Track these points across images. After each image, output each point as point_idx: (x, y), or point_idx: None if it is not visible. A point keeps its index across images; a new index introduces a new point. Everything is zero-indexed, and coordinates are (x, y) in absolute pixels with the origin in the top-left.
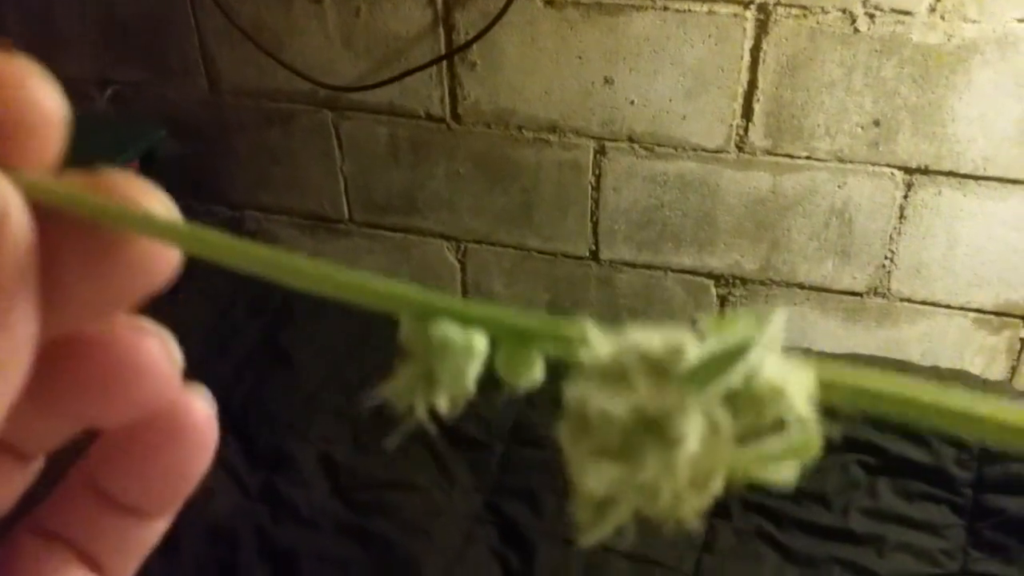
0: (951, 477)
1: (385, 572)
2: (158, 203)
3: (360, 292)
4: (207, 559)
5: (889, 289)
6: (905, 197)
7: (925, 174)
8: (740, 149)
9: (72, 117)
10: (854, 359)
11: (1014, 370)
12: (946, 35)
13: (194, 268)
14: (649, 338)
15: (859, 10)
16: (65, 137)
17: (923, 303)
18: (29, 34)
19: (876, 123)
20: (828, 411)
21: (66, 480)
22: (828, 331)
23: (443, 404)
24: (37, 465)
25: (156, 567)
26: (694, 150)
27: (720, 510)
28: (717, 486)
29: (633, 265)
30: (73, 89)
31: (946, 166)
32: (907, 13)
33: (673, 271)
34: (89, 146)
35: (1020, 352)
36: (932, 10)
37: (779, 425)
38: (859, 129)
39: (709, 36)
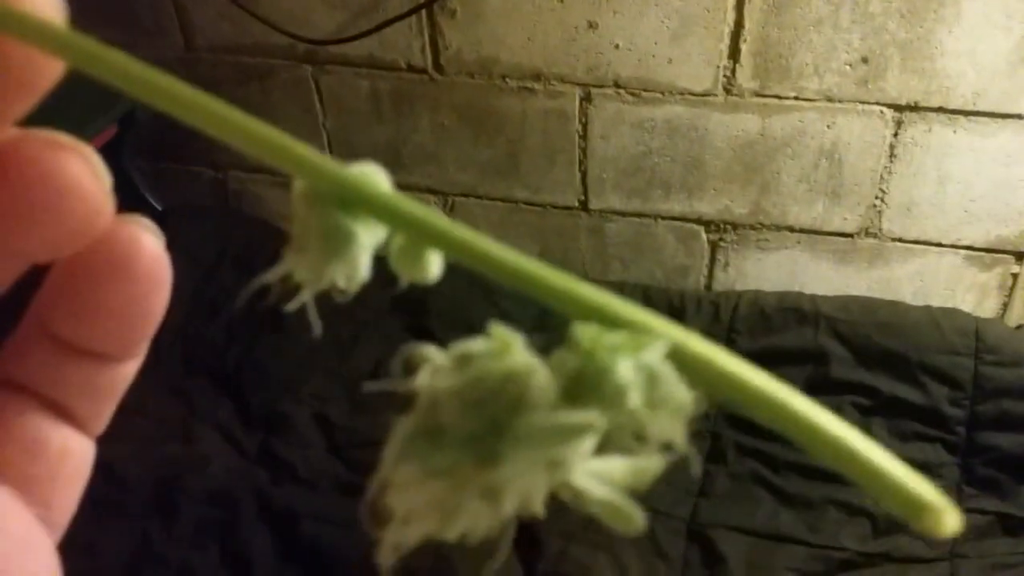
0: (944, 416)
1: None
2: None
3: (251, 140)
4: (207, 522)
5: (880, 229)
6: (895, 135)
7: (915, 111)
8: (728, 91)
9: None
10: (845, 300)
11: (1006, 306)
12: None
13: (175, 230)
14: (492, 372)
15: None
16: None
17: (914, 242)
18: None
19: (864, 60)
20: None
21: (20, 327)
22: (819, 273)
23: (338, 283)
24: None
25: (157, 532)
26: (681, 94)
27: (715, 455)
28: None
29: (623, 214)
30: None
31: (936, 102)
32: None
33: (663, 218)
34: (65, 112)
35: (1012, 288)
36: None
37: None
38: (847, 67)
39: None
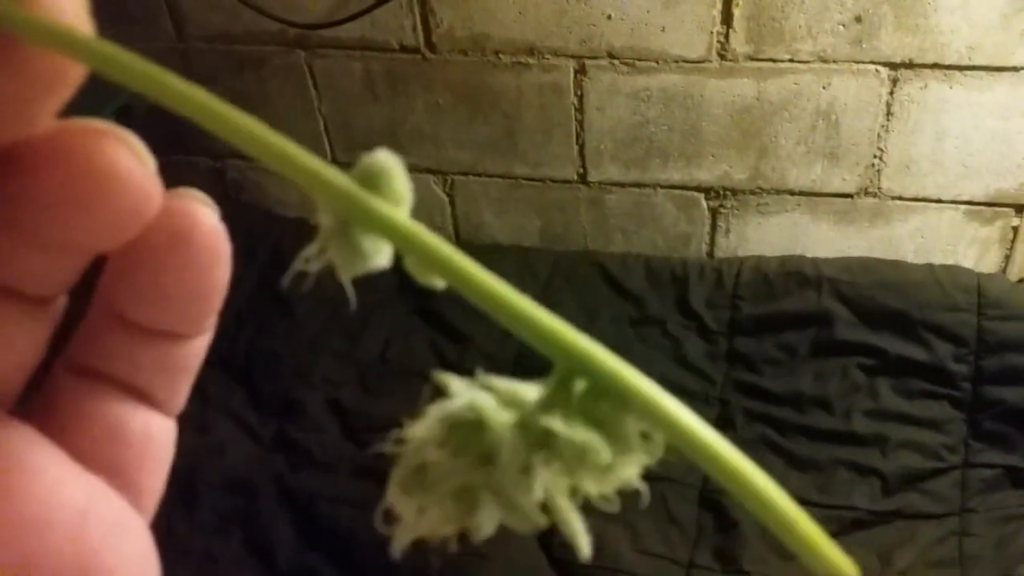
0: (950, 373)
1: None
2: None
3: (279, 159)
4: (228, 511)
5: (879, 188)
6: (891, 93)
7: (910, 68)
8: (722, 57)
9: None
10: (847, 261)
11: (1007, 259)
12: None
13: None
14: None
15: None
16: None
17: (914, 199)
18: None
19: (858, 19)
20: None
21: (90, 312)
22: (820, 235)
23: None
24: (58, 308)
25: (178, 522)
26: (676, 62)
27: (724, 421)
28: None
29: (622, 185)
30: None
31: (930, 59)
32: None
33: (663, 187)
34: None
35: (1013, 241)
36: None
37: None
38: (841, 27)
39: None
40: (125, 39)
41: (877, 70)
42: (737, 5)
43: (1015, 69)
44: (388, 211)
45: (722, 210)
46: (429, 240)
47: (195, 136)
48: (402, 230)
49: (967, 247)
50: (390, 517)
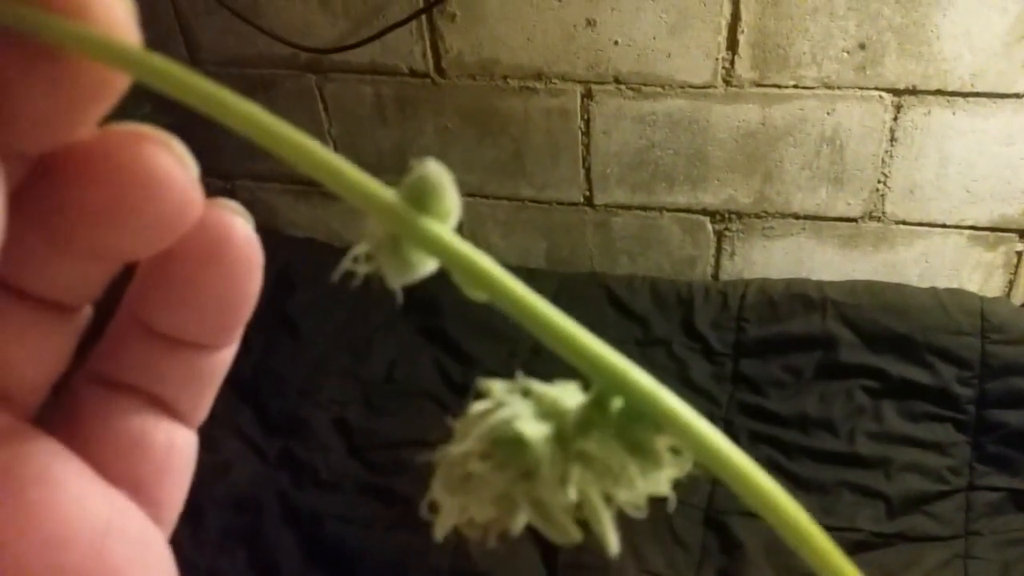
0: (954, 395)
1: (407, 527)
2: (102, 8)
3: (321, 169)
4: (232, 528)
5: (884, 212)
6: (895, 119)
7: (913, 94)
8: (727, 83)
9: None
10: (851, 284)
11: (1011, 284)
12: None
13: None
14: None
15: None
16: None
17: (918, 224)
18: None
19: (862, 46)
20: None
21: (114, 323)
22: (826, 259)
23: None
24: (84, 316)
25: (183, 540)
26: (681, 87)
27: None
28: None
29: (628, 208)
30: None
31: (934, 85)
32: None
33: (668, 211)
34: None
35: (1017, 266)
36: None
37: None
38: (845, 54)
39: None
40: None
41: (881, 96)
42: (742, 32)
43: (1017, 96)
44: (435, 230)
45: (727, 233)
46: (475, 258)
47: (206, 155)
48: (449, 249)
49: (971, 272)
50: (432, 507)
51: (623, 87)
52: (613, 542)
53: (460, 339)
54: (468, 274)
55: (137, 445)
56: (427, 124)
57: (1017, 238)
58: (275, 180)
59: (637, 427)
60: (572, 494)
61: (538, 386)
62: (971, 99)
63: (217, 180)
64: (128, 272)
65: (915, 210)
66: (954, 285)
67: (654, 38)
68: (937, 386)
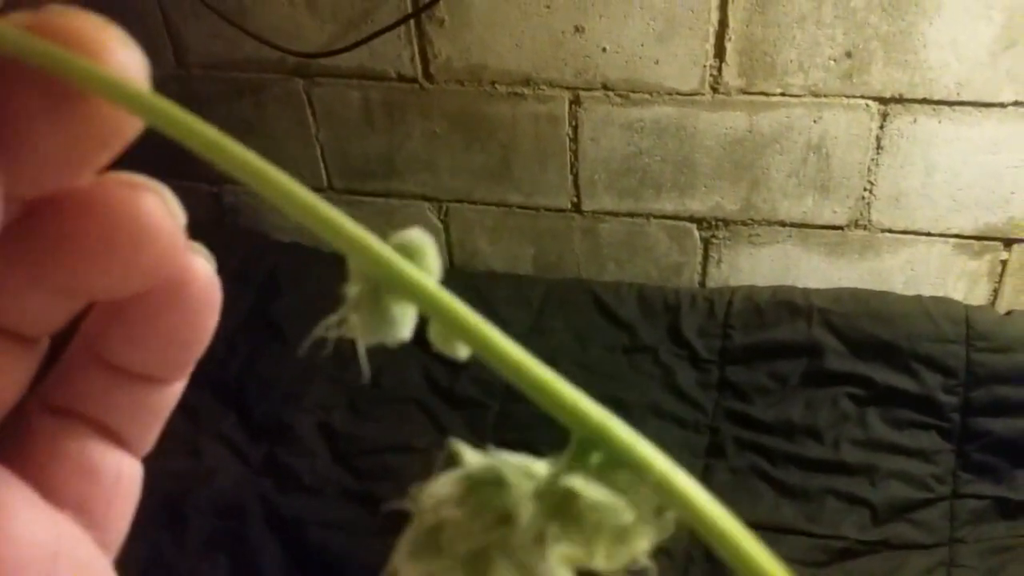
0: (939, 403)
1: (392, 533)
2: (120, 53)
3: (329, 229)
4: (216, 534)
5: (870, 220)
6: (881, 128)
7: (900, 103)
8: (715, 90)
9: None
10: (837, 292)
11: (996, 292)
12: None
13: None
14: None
15: None
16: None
17: (904, 232)
18: None
19: (848, 55)
20: None
21: (68, 352)
22: (812, 266)
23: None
24: (42, 347)
25: (166, 545)
26: (669, 94)
27: (714, 450)
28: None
29: (615, 214)
30: None
31: (920, 94)
32: None
33: (655, 217)
34: None
35: (1002, 274)
36: None
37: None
38: (831, 62)
39: None
40: None
41: (867, 104)
42: (730, 39)
43: (1002, 105)
44: (420, 276)
45: (714, 240)
46: (457, 308)
47: (192, 161)
48: (432, 295)
49: (956, 280)
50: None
51: (611, 94)
52: None
53: None
54: (449, 323)
55: (86, 472)
56: (415, 129)
57: (1002, 246)
58: None
59: (618, 478)
60: (550, 552)
61: (511, 456)
62: (957, 108)
63: (204, 184)
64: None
65: (901, 218)
66: (939, 293)
67: (642, 45)
68: (922, 394)
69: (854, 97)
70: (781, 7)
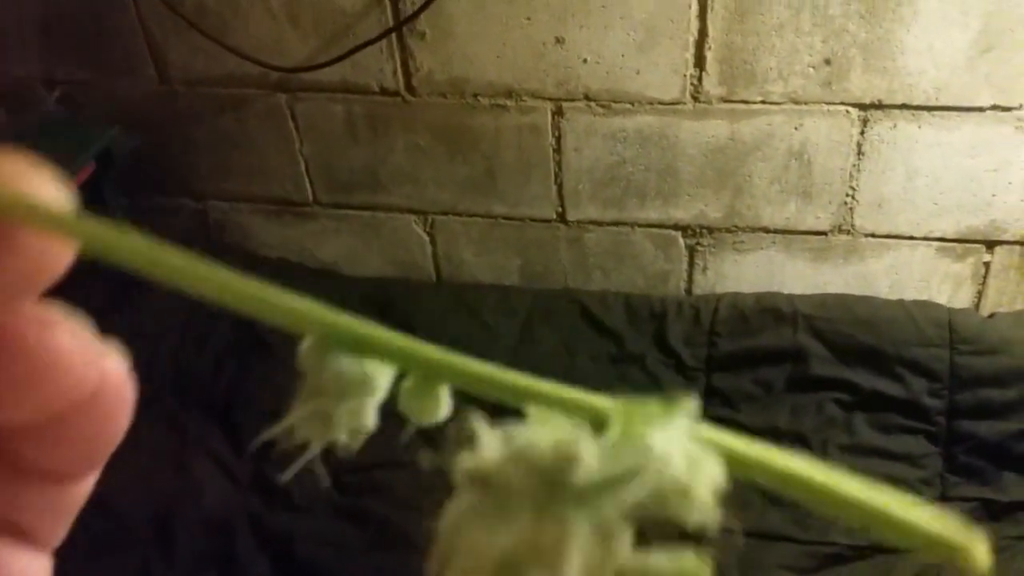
0: (924, 407)
1: (381, 549)
2: (46, 186)
3: (257, 304)
4: (205, 552)
5: (853, 225)
6: (861, 133)
7: (879, 109)
8: (696, 99)
9: (22, 122)
10: (821, 298)
11: (980, 294)
12: None
13: None
14: (540, 441)
15: None
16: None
17: (887, 236)
18: None
19: (827, 62)
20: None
21: None
22: (796, 272)
23: (341, 440)
24: None
25: (155, 563)
26: (650, 104)
27: None
28: None
29: (600, 223)
30: (20, 92)
31: (899, 99)
32: None
33: (640, 226)
34: (43, 150)
35: (985, 276)
36: None
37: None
38: (811, 69)
39: None
40: (109, 82)
41: (847, 111)
42: (709, 48)
43: (980, 109)
44: (380, 332)
45: (699, 248)
46: (429, 350)
47: (177, 178)
48: (397, 344)
49: (940, 283)
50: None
51: (593, 104)
52: None
53: None
54: (419, 365)
55: None
56: (398, 142)
57: (984, 249)
58: (247, 200)
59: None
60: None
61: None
62: (936, 113)
63: (189, 201)
64: None
65: (883, 223)
66: (924, 297)
67: (623, 55)
68: (907, 398)
69: (834, 104)
70: (760, 16)
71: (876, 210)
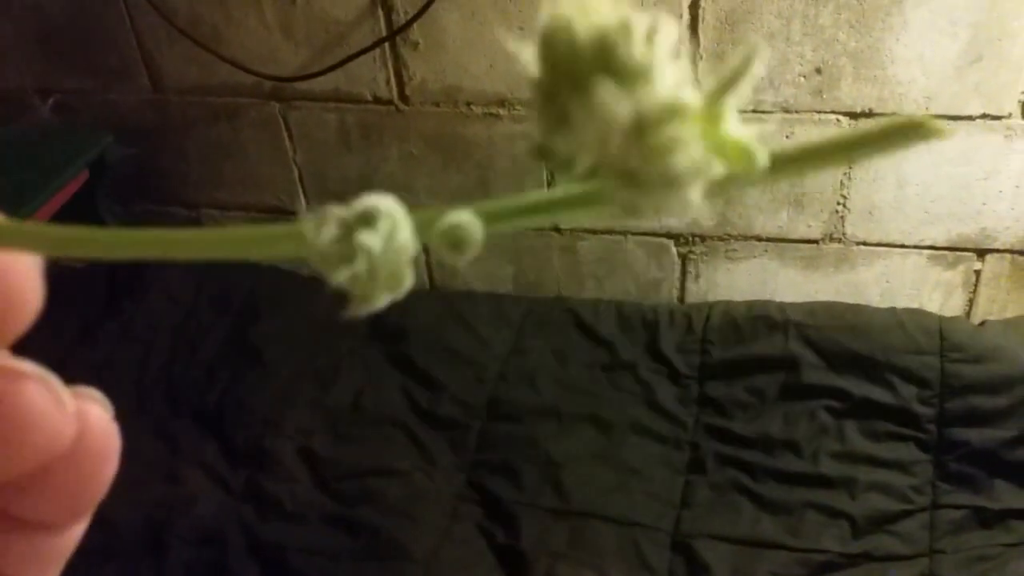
0: (915, 415)
1: (373, 558)
2: None
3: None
4: (196, 562)
5: (844, 234)
6: None
7: (870, 117)
8: None
9: (15, 130)
10: (812, 306)
11: (971, 302)
12: None
13: (153, 273)
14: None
15: None
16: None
17: (878, 244)
18: None
19: (818, 71)
20: None
21: None
22: (788, 280)
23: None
24: None
25: (146, 574)
26: None
27: (695, 465)
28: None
29: (594, 232)
30: (13, 101)
31: (889, 108)
32: None
33: (633, 234)
34: (37, 158)
35: (976, 284)
36: None
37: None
38: (801, 78)
39: None
40: (102, 91)
41: (838, 119)
42: (700, 58)
43: (970, 118)
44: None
45: (691, 256)
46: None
47: (171, 187)
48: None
49: (931, 291)
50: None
51: None
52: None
53: (427, 366)
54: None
55: None
56: (392, 151)
57: (975, 257)
58: (240, 209)
59: None
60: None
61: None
62: None
63: (181, 209)
64: None
65: (874, 231)
66: (915, 305)
67: None
68: (898, 405)
69: (824, 112)
70: (750, 25)
71: (867, 218)
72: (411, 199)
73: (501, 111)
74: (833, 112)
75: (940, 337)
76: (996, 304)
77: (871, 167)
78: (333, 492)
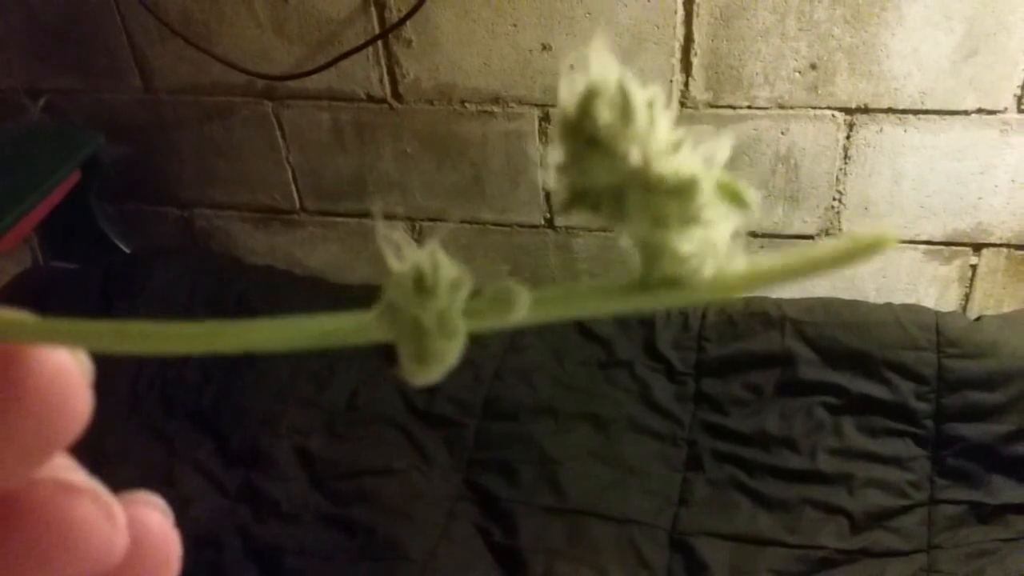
0: (912, 410)
1: (370, 558)
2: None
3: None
4: (192, 565)
5: (840, 229)
6: (848, 137)
7: (865, 113)
8: (682, 104)
9: (6, 131)
10: (809, 302)
11: (967, 297)
12: None
13: (146, 272)
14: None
15: None
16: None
17: None
18: None
19: (813, 66)
20: None
21: None
22: None
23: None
24: None
25: None
26: None
27: (693, 462)
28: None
29: (588, 229)
30: (4, 101)
31: (885, 103)
32: None
33: None
34: (28, 159)
35: (972, 279)
36: None
37: None
38: (797, 74)
39: None
40: (94, 90)
41: (833, 115)
42: (695, 54)
43: (966, 113)
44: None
45: None
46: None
47: (163, 186)
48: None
49: (928, 286)
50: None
51: None
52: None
53: None
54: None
55: None
56: (386, 149)
57: (971, 251)
58: (233, 208)
59: None
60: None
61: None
62: (921, 116)
63: (175, 209)
64: None
65: (870, 226)
66: (911, 300)
67: None
68: (895, 401)
69: (820, 108)
70: (745, 21)
71: (863, 213)
72: (406, 197)
73: (495, 109)
74: (829, 107)
75: (936, 332)
76: (992, 299)
77: (867, 162)
78: (329, 492)
